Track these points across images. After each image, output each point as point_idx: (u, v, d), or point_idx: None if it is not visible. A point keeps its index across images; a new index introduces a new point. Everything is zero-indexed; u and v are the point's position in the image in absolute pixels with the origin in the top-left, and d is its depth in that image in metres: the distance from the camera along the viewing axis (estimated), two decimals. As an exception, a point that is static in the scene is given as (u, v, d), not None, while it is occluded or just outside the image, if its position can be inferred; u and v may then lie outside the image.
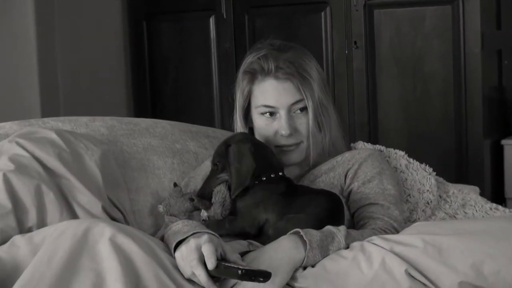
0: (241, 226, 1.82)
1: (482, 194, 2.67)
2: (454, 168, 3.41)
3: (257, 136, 2.02)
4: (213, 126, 3.59)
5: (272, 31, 3.32)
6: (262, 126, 1.99)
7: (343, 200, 1.95)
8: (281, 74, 1.95)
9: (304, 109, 1.98)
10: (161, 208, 1.96)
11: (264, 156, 1.88)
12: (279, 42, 2.03)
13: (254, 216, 1.81)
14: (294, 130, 1.97)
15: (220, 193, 1.87)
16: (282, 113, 1.97)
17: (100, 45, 3.95)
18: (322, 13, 3.57)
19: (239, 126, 2.06)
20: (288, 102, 1.96)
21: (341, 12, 3.52)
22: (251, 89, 2.00)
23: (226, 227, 1.83)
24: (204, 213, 1.89)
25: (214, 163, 1.89)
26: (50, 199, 1.87)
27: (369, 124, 3.53)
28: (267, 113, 1.98)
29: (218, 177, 1.88)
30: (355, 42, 3.51)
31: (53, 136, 1.99)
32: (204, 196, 1.88)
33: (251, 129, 2.05)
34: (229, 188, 1.86)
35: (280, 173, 1.88)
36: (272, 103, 1.97)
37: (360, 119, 3.54)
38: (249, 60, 2.01)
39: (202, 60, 3.88)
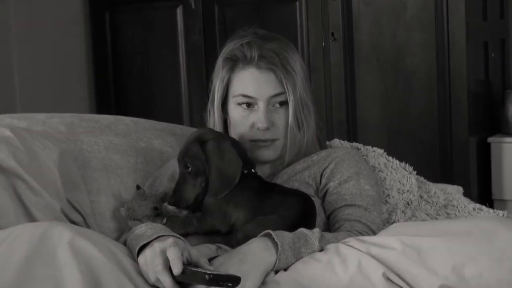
0: (211, 223, 1.82)
1: (468, 195, 2.69)
2: (438, 167, 3.43)
3: (232, 128, 2.03)
4: (180, 123, 3.59)
5: (243, 23, 3.33)
6: (238, 117, 2.00)
7: (319, 202, 1.97)
8: (264, 63, 1.96)
9: (283, 104, 1.99)
10: (123, 211, 1.96)
11: (240, 151, 1.88)
12: (263, 32, 2.04)
13: (225, 212, 1.82)
14: (271, 124, 1.98)
15: None
16: (260, 105, 1.98)
17: (60, 38, 3.94)
18: (297, 3, 3.58)
19: (216, 117, 2.05)
20: (268, 93, 1.97)
21: (317, 1, 3.53)
22: (231, 77, 2.01)
23: (194, 225, 1.82)
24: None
25: (185, 166, 1.85)
26: (4, 201, 1.87)
27: (347, 121, 3.55)
28: (245, 104, 1.99)
29: (195, 183, 1.84)
30: (332, 34, 3.52)
31: (8, 134, 1.98)
32: (179, 205, 1.85)
33: (225, 122, 2.05)
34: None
35: (252, 170, 1.89)
36: (250, 93, 1.98)
37: (338, 115, 3.55)
38: (230, 46, 2.01)
39: (169, 53, 3.88)
